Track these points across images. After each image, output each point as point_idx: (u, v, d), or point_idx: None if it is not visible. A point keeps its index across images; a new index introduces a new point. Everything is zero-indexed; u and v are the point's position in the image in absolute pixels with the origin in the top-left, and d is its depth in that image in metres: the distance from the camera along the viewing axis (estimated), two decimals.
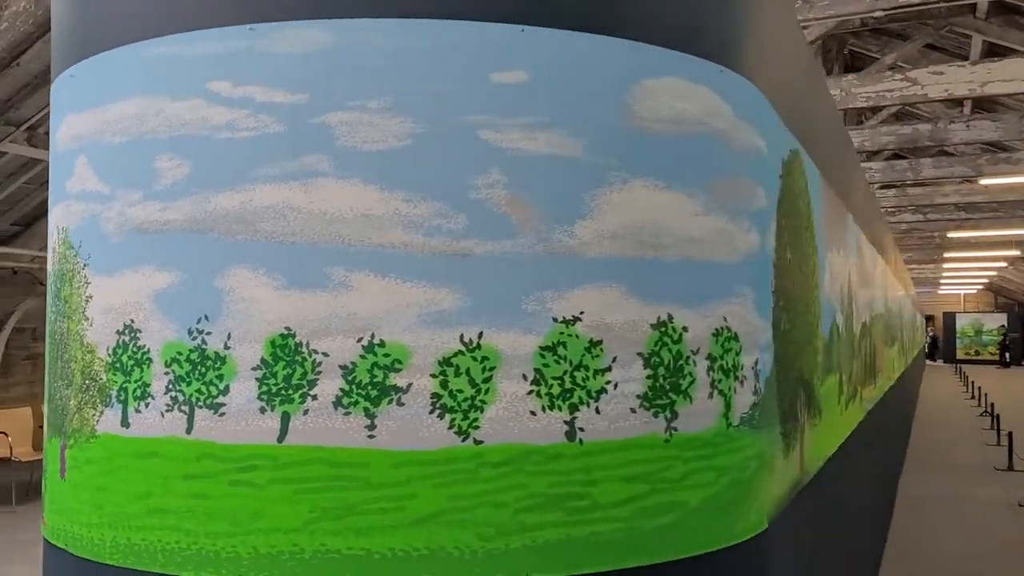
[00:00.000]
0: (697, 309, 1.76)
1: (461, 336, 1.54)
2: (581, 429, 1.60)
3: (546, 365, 1.58)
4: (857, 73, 8.48)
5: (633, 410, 1.65)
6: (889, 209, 16.66)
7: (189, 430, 1.56)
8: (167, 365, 1.58)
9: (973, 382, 20.18)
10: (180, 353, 1.57)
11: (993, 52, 10.26)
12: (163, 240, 1.60)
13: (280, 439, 1.52)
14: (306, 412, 1.52)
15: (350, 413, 1.52)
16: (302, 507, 1.51)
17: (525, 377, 1.57)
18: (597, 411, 1.61)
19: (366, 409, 1.52)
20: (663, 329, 1.70)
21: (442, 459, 1.53)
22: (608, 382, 1.63)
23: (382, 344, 1.52)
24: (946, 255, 24.30)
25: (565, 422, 1.59)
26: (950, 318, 40.05)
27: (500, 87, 1.57)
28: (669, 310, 1.71)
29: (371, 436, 1.52)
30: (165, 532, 1.57)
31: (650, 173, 1.69)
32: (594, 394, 1.61)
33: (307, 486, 1.51)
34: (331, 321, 1.52)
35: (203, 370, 1.56)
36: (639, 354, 1.66)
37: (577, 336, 1.60)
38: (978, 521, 6.72)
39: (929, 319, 41.01)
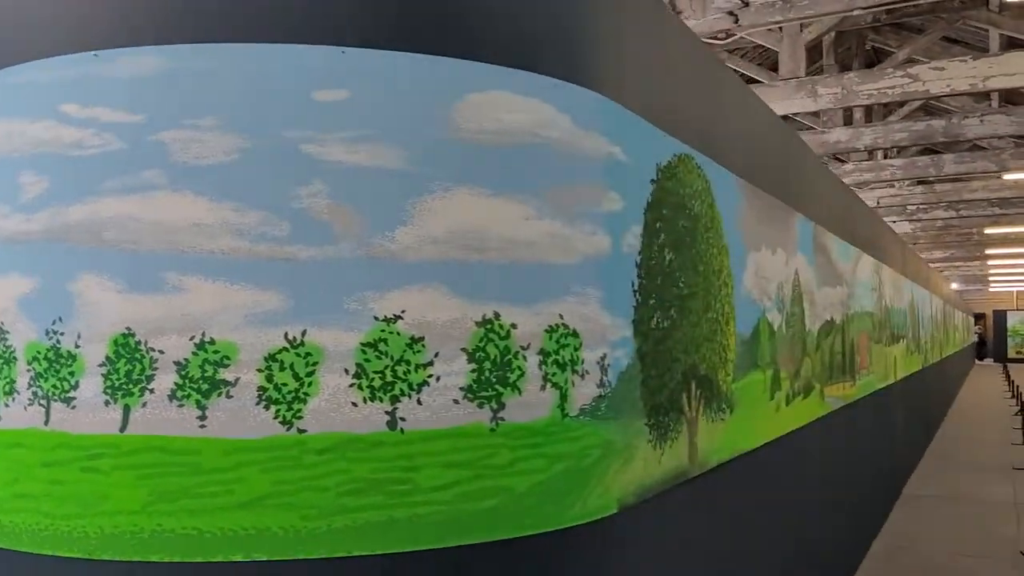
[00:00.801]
0: (528, 307, 1.88)
1: (285, 334, 1.69)
2: (402, 419, 1.73)
3: (367, 360, 1.72)
4: (857, 71, 8.46)
5: (456, 401, 1.78)
6: (920, 206, 16.47)
7: (47, 422, 1.73)
8: (29, 363, 1.75)
9: (1013, 381, 19.79)
10: (39, 352, 1.74)
11: (1013, 45, 10.12)
12: (26, 249, 1.77)
13: (122, 429, 1.68)
14: (144, 405, 1.67)
15: (183, 405, 1.67)
16: (141, 491, 1.67)
17: (347, 371, 1.71)
18: (419, 402, 1.75)
19: (198, 401, 1.67)
20: (488, 326, 1.82)
21: (267, 447, 1.67)
22: (430, 375, 1.76)
23: (212, 342, 1.67)
24: (988, 252, 23.88)
25: (386, 412, 1.72)
26: (1000, 316, 39.21)
27: (322, 105, 1.72)
28: (495, 308, 1.83)
29: (202, 426, 1.67)
30: (28, 515, 1.74)
31: (475, 181, 1.82)
32: (416, 386, 1.75)
33: (145, 472, 1.67)
34: (166, 321, 1.67)
35: (58, 367, 1.72)
36: (463, 349, 1.79)
37: (398, 333, 1.74)
38: (976, 520, 6.68)
39: (980, 317, 40.20)
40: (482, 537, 1.79)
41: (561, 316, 1.94)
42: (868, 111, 12.86)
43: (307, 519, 1.67)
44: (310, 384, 1.69)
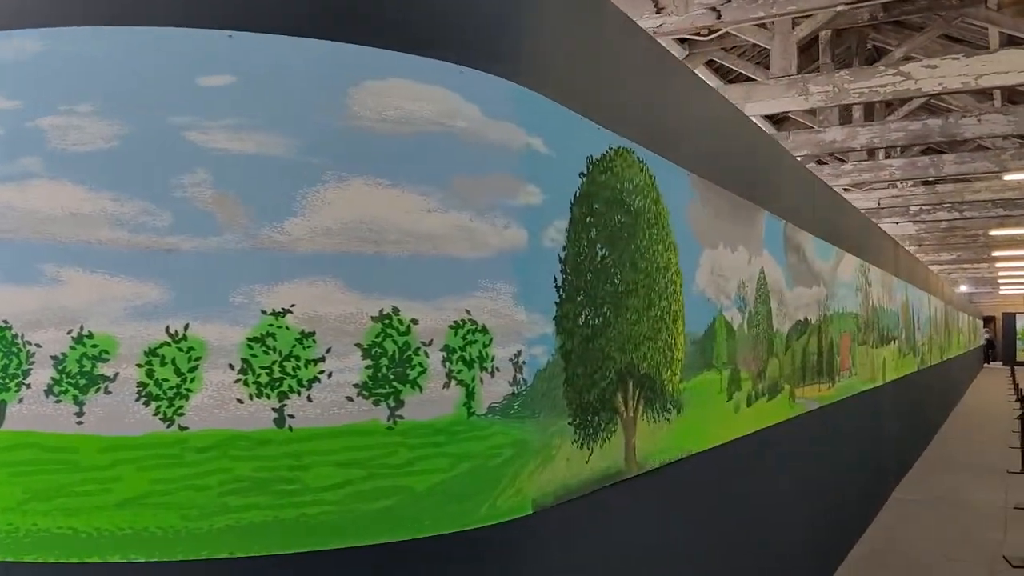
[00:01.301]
0: (431, 302, 1.82)
1: (167, 328, 1.63)
2: (291, 416, 1.68)
3: (254, 355, 1.66)
4: (849, 69, 8.36)
5: (350, 398, 1.72)
6: (923, 207, 16.32)
7: None
8: None
9: (1018, 384, 19.60)
10: None
11: (1013, 43, 9.99)
12: None
13: None
14: (21, 400, 1.62)
15: (60, 401, 1.62)
16: (16, 489, 1.61)
17: (232, 367, 1.65)
18: (309, 399, 1.69)
19: (75, 397, 1.61)
20: (386, 321, 1.76)
21: (147, 444, 1.62)
22: (321, 372, 1.70)
23: (91, 336, 1.62)
24: (995, 254, 23.66)
25: (274, 409, 1.67)
26: (1010, 319, 38.91)
27: (206, 90, 1.66)
28: (394, 303, 1.77)
29: (80, 422, 1.61)
30: None
31: (372, 171, 1.76)
32: (305, 383, 1.69)
33: (21, 469, 1.62)
34: (43, 314, 1.62)
35: None
36: (357, 345, 1.73)
37: (287, 327, 1.68)
38: (962, 524, 6.59)
39: (989, 320, 39.90)
40: (377, 538, 1.73)
41: (468, 312, 1.88)
42: (869, 110, 12.76)
43: (187, 519, 1.62)
44: (192, 380, 1.63)
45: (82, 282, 1.62)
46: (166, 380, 1.62)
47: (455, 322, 1.86)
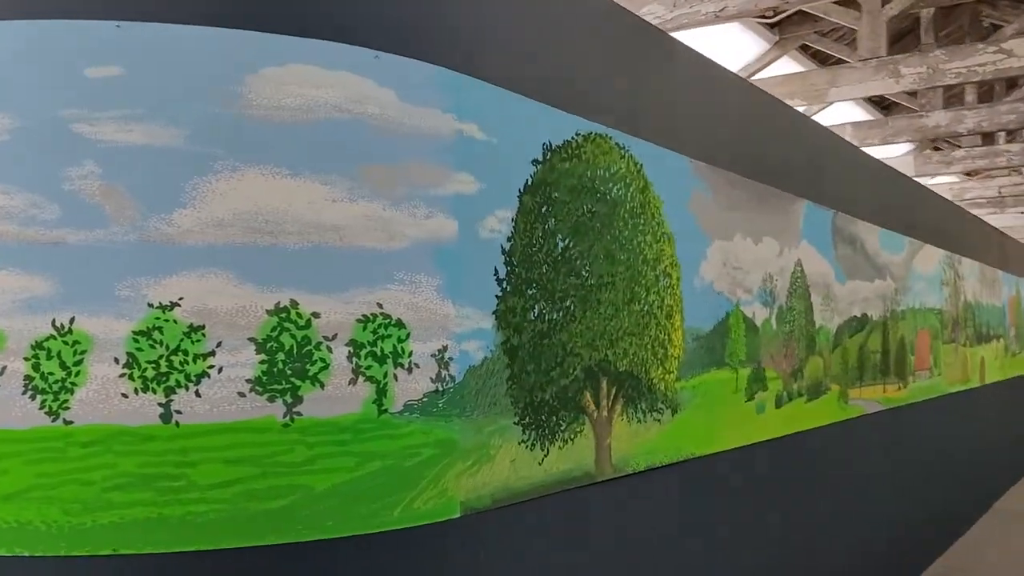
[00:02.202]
0: (335, 295, 1.76)
1: (53, 321, 1.62)
2: (178, 411, 1.64)
3: (140, 349, 1.64)
4: (944, 48, 7.83)
5: (242, 394, 1.68)
6: None
7: None
8: None
9: None
10: None
11: None
12: None
13: None
14: None
15: None
16: None
17: (117, 360, 1.63)
18: (197, 394, 1.65)
19: None
20: (283, 315, 1.71)
21: (32, 438, 1.61)
22: (211, 366, 1.66)
23: None
24: None
25: (160, 404, 1.64)
26: None
27: (94, 82, 1.64)
28: (292, 296, 1.72)
29: None
30: None
31: (269, 161, 1.71)
32: (194, 377, 1.65)
33: None
34: None
35: None
36: (251, 339, 1.69)
37: (175, 321, 1.65)
38: None
39: None
40: (272, 539, 1.68)
41: (380, 305, 1.81)
42: (989, 90, 11.99)
43: (70, 514, 1.60)
44: (78, 374, 1.62)
45: None
46: (52, 374, 1.62)
47: (364, 316, 1.79)
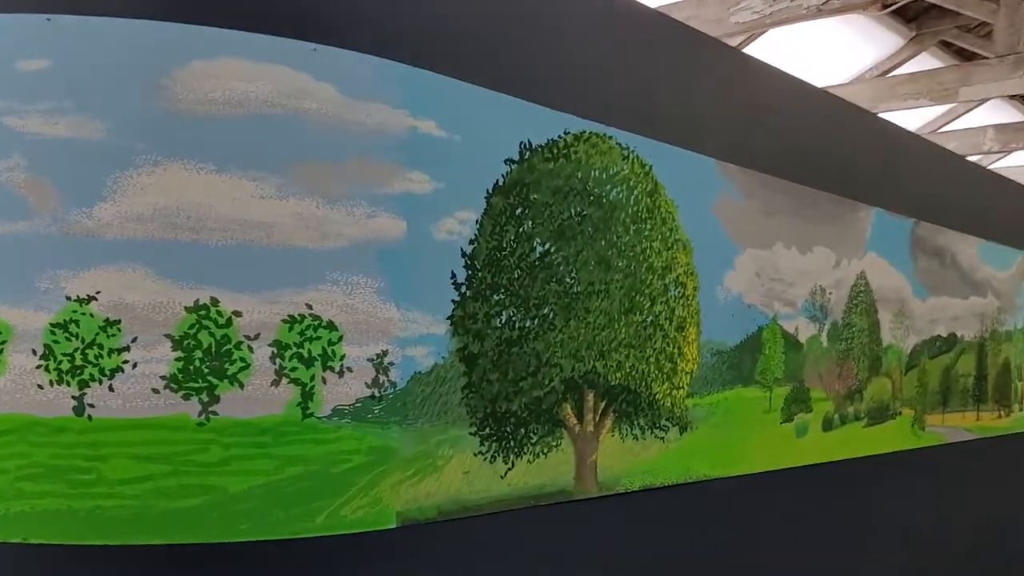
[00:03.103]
0: (258, 294, 1.72)
1: None
2: (91, 405, 1.64)
3: (56, 341, 1.65)
4: None
5: (156, 390, 1.66)
6: None
7: None
8: None
9: None
10: None
11: None
12: None
13: None
14: None
15: None
16: None
17: (35, 352, 1.64)
18: (111, 389, 1.65)
19: None
20: (202, 312, 1.69)
21: None
22: (125, 361, 1.65)
23: None
24: None
25: (73, 397, 1.64)
26: None
27: (24, 75, 1.66)
28: (213, 293, 1.69)
29: None
30: None
31: (193, 156, 1.69)
32: (108, 372, 1.65)
33: None
34: None
35: None
36: (167, 335, 1.67)
37: (91, 315, 1.65)
38: None
39: None
40: (180, 538, 1.66)
41: (309, 306, 1.76)
42: None
43: None
44: None
45: None
46: None
47: (290, 316, 1.74)
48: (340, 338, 1.79)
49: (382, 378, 1.84)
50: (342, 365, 1.79)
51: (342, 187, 1.79)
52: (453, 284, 1.97)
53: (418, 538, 1.89)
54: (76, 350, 1.65)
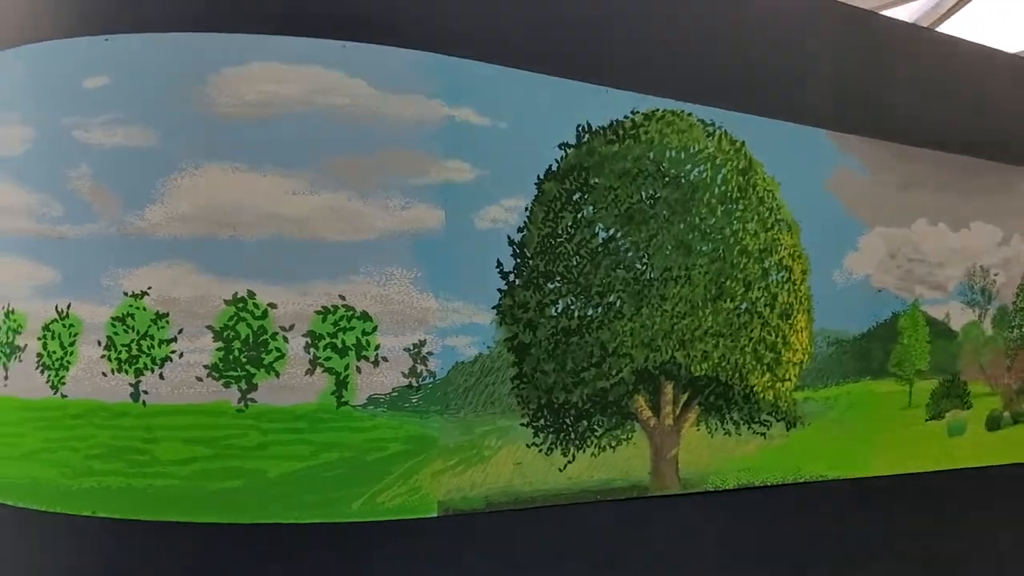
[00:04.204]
0: (294, 286, 1.79)
1: (56, 306, 1.85)
2: (145, 392, 1.79)
3: (116, 333, 1.80)
4: None
5: (199, 379, 1.78)
6: None
7: None
8: None
9: None
10: None
11: None
12: None
13: None
14: None
15: None
16: None
17: (99, 343, 1.81)
18: (161, 377, 1.78)
19: (4, 364, 1.91)
20: (240, 305, 1.78)
21: (42, 407, 1.85)
22: (173, 351, 1.78)
23: (12, 312, 1.90)
24: None
25: (130, 384, 1.79)
26: None
27: (89, 91, 1.83)
28: (250, 286, 1.78)
29: (5, 385, 1.90)
30: None
31: (228, 157, 1.79)
32: (159, 361, 1.79)
33: None
34: None
35: None
36: (209, 327, 1.78)
37: (144, 308, 1.79)
38: None
39: None
40: (223, 518, 1.77)
41: (343, 297, 1.81)
42: None
43: (65, 476, 1.81)
44: (72, 353, 1.82)
45: (9, 265, 1.90)
46: (54, 352, 1.84)
47: (324, 307, 1.80)
48: (374, 328, 1.82)
49: (420, 368, 1.86)
50: (377, 355, 1.83)
51: (374, 179, 1.82)
52: (500, 273, 1.95)
53: (463, 528, 1.89)
54: (132, 341, 1.79)
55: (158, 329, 1.79)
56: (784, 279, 2.38)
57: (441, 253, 1.88)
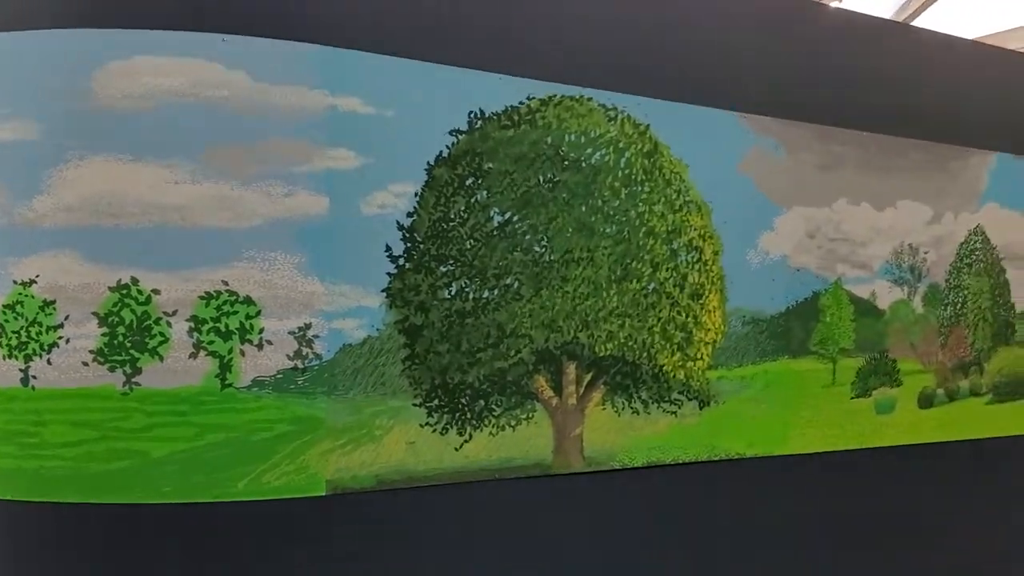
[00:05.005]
0: (176, 273, 1.84)
1: None
2: (34, 377, 1.84)
3: (6, 320, 1.86)
4: None
5: (86, 363, 1.83)
6: None
7: None
8: None
9: None
10: None
11: None
12: None
13: None
14: None
15: None
16: None
17: None
18: (49, 362, 1.84)
19: None
20: (124, 291, 1.83)
21: None
22: (60, 337, 1.84)
23: None
24: None
25: (20, 370, 1.85)
26: None
27: None
28: (133, 273, 1.83)
29: None
30: None
31: (111, 148, 1.83)
32: (46, 347, 1.84)
33: None
34: None
35: None
36: (94, 313, 1.83)
37: (33, 296, 1.85)
38: None
39: None
40: (112, 498, 1.82)
41: (226, 282, 1.85)
42: None
43: None
44: None
45: None
46: None
47: (207, 293, 1.85)
48: (258, 312, 1.87)
49: (306, 350, 1.90)
50: (261, 338, 1.87)
51: (256, 168, 1.87)
52: (389, 257, 1.99)
53: (353, 506, 1.94)
54: (22, 328, 1.85)
55: (46, 316, 1.84)
56: (694, 259, 2.40)
57: (325, 238, 1.92)
